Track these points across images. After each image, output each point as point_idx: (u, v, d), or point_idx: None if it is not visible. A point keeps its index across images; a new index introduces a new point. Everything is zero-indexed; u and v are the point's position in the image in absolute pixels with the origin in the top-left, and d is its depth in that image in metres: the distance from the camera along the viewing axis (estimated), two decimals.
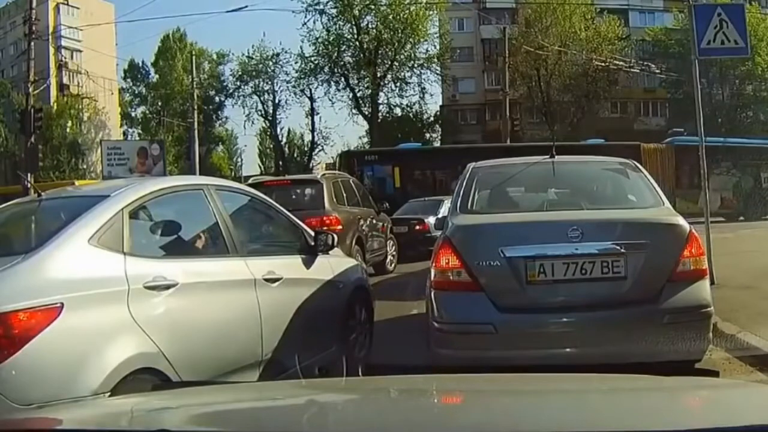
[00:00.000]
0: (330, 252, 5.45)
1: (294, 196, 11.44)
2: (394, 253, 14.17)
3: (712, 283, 8.76)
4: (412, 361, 5.34)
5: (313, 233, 5.41)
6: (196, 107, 39.75)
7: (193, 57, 43.86)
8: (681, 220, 5.12)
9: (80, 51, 53.90)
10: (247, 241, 4.91)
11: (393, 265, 13.98)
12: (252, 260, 4.60)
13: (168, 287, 3.87)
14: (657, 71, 40.29)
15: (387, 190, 23.05)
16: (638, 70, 39.61)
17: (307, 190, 11.90)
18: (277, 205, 5.42)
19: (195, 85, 40.41)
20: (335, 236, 5.59)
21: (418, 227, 15.79)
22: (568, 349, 4.81)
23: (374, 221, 13.20)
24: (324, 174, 12.47)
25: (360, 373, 4.51)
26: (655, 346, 4.62)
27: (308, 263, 5.22)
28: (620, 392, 2.34)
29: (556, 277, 4.87)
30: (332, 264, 5.56)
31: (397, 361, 5.38)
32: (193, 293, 4.03)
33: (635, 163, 6.28)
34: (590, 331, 4.82)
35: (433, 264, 5.12)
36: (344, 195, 12.27)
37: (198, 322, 4.02)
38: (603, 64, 38.22)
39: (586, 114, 43.60)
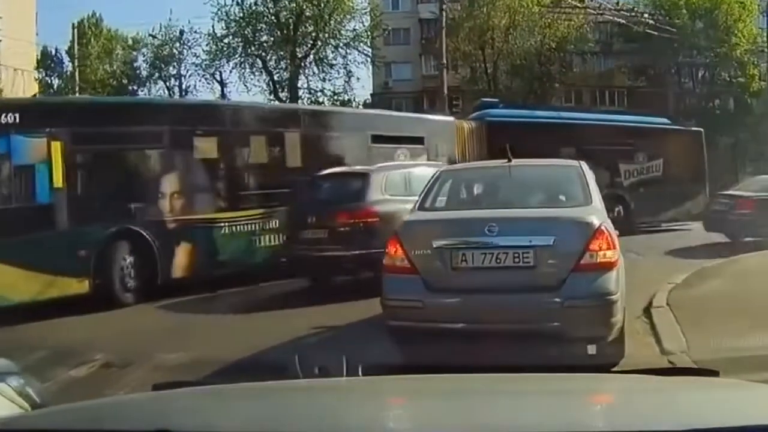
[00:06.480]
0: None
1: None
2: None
3: None
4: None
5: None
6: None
7: (75, 31, 38.10)
8: (592, 219, 6.06)
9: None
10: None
11: None
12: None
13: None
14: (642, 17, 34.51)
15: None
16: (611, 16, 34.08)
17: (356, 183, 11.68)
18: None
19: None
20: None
21: None
22: (481, 324, 5.95)
23: None
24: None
25: (360, 373, 3.67)
26: (557, 326, 5.77)
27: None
28: (619, 392, 2.42)
29: (475, 265, 6.07)
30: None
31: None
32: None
33: (582, 165, 7.12)
34: (501, 310, 5.94)
35: (385, 252, 6.59)
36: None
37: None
38: (567, 21, 32.81)
39: (537, 101, 37.95)
